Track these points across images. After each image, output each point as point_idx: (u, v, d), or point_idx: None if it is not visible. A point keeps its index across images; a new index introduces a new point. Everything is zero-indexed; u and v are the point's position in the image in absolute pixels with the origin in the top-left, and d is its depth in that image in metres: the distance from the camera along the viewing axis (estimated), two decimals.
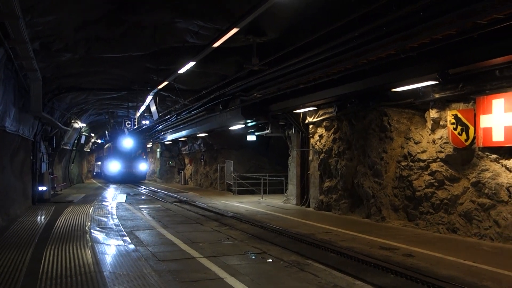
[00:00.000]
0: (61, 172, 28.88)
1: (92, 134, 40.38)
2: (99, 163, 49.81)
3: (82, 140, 33.68)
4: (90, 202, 18.75)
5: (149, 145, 43.01)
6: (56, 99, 19.32)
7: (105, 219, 13.17)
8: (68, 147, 28.93)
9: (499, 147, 9.54)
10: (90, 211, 14.96)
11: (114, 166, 36.92)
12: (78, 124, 26.92)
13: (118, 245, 9.24)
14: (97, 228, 11.27)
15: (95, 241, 9.40)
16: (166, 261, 7.93)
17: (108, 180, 38.75)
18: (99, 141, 48.49)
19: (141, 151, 38.89)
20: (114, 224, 12.34)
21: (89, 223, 11.96)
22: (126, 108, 27.57)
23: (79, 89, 19.63)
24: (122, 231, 11.09)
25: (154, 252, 8.71)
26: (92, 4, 9.97)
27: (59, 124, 20.71)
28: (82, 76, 17.13)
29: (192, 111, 21.83)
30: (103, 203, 18.73)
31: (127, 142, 36.44)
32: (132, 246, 9.06)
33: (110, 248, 8.88)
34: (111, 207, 16.99)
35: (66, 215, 13.75)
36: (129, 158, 37.08)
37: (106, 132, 40.70)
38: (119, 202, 19.46)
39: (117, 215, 14.39)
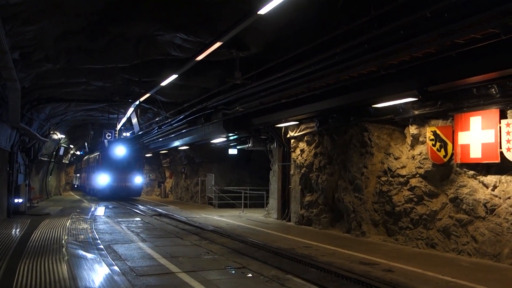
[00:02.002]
0: (38, 184, 28.30)
1: (71, 146, 39.75)
2: (80, 175, 45.67)
3: (61, 152, 33.14)
4: (68, 215, 18.38)
5: None
6: (35, 110, 19.02)
7: (82, 233, 12.92)
8: (46, 159, 28.43)
9: (477, 163, 9.72)
10: (67, 224, 14.66)
11: (102, 179, 30.59)
12: (57, 135, 26.52)
13: (95, 259, 9.05)
14: (74, 242, 11.03)
15: (71, 255, 9.19)
16: (145, 276, 7.79)
17: (95, 195, 32.60)
18: (78, 152, 47.73)
19: (136, 162, 32.39)
20: (91, 237, 12.10)
21: (66, 237, 11.70)
22: (107, 119, 27.28)
23: (59, 99, 19.39)
24: (100, 245, 10.88)
25: (133, 267, 8.56)
26: (74, 15, 9.91)
27: (38, 135, 20.36)
28: (62, 86, 16.93)
29: (174, 124, 21.72)
30: (81, 216, 18.38)
31: (120, 150, 29.49)
32: (109, 261, 8.88)
33: (87, 263, 8.69)
34: (89, 220, 16.68)
35: (42, 228, 13.44)
36: (122, 169, 30.98)
37: (86, 144, 40.06)
38: (97, 215, 19.13)
39: (95, 229, 14.13)
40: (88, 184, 37.42)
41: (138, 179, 32.05)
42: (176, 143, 24.49)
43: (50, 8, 9.24)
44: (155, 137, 25.36)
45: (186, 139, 22.64)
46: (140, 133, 24.69)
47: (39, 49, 11.56)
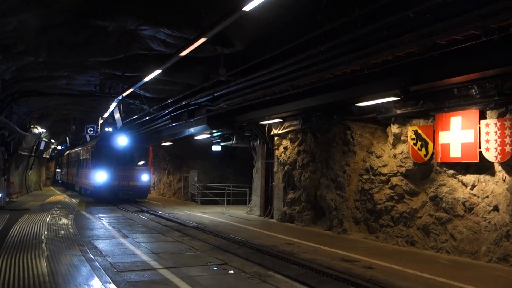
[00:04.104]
0: (18, 179, 27.82)
1: (53, 140, 39.16)
2: (66, 170, 40.01)
3: (42, 146, 32.60)
4: (48, 210, 18.10)
5: None
6: (15, 103, 18.69)
7: (63, 228, 12.75)
8: (26, 153, 27.93)
9: (456, 163, 9.88)
10: (47, 219, 14.45)
11: (100, 177, 23.72)
12: (38, 130, 26.08)
13: (75, 255, 8.95)
14: (54, 238, 10.88)
15: (51, 251, 9.06)
16: (126, 272, 7.74)
17: (90, 196, 26.20)
18: (59, 147, 47.07)
19: (143, 154, 25.73)
20: (72, 233, 11.96)
21: (45, 232, 11.53)
22: (89, 114, 26.91)
23: (40, 93, 19.05)
24: (80, 240, 10.76)
25: (113, 263, 8.49)
26: (55, 8, 9.76)
27: (17, 128, 20.00)
28: (43, 80, 16.66)
29: (157, 119, 21.57)
30: (62, 211, 18.14)
31: (123, 140, 24.15)
32: (90, 256, 8.79)
33: (67, 258, 8.58)
34: (70, 216, 16.47)
35: (22, 223, 13.22)
36: (125, 164, 24.42)
37: (67, 139, 39.47)
38: (78, 211, 18.91)
39: (75, 224, 13.96)
40: (79, 181, 30.72)
41: (145, 177, 24.84)
42: (159, 139, 24.41)
43: (31, 0, 9.08)
44: (137, 133, 25.15)
45: (170, 134, 22.59)
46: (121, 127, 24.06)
47: (19, 42, 11.36)
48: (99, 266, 7.95)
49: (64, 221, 14.66)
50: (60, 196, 28.92)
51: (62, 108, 24.72)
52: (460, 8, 6.98)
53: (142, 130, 23.99)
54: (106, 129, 27.55)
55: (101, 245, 10.57)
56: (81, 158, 30.00)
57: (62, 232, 12.09)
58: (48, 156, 42.94)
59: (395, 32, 7.98)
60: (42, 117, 25.49)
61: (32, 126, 24.23)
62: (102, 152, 24.41)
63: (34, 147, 30.37)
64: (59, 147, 47.17)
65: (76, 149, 33.58)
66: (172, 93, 18.25)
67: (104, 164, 23.84)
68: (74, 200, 24.70)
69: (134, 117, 22.77)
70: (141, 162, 25.36)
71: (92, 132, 30.26)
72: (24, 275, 6.80)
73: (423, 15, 7.42)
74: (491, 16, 6.43)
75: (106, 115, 23.85)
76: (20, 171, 28.72)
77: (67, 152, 39.70)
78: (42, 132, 28.27)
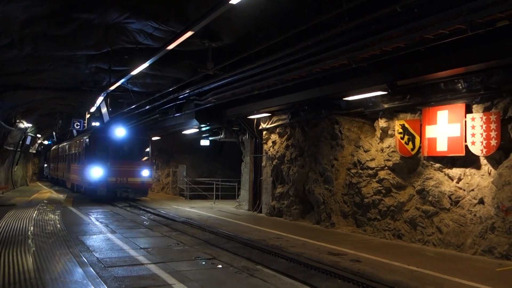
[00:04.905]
0: (3, 174, 27.51)
1: (39, 135, 38.72)
2: (55, 165, 37.45)
3: (28, 141, 32.21)
4: (34, 205, 17.94)
5: None
6: (0, 97, 18.42)
7: (50, 224, 12.64)
8: (12, 148, 27.58)
9: (443, 156, 9.97)
10: (34, 215, 14.31)
11: (95, 173, 21.06)
12: (24, 124, 25.77)
13: (62, 251, 8.88)
14: (41, 233, 10.79)
15: (37, 246, 8.98)
16: (113, 267, 7.69)
17: (84, 194, 23.85)
18: (46, 142, 46.57)
19: (143, 147, 22.95)
20: (59, 229, 11.86)
21: (32, 228, 11.42)
22: (76, 108, 26.64)
23: (25, 87, 18.80)
24: (67, 236, 10.67)
25: (101, 258, 8.44)
26: (41, 0, 9.60)
27: (3, 123, 19.75)
28: (29, 74, 16.43)
29: (145, 113, 21.41)
30: (48, 206, 17.98)
31: (121, 132, 21.87)
32: (77, 252, 8.72)
33: (53, 254, 8.51)
34: (57, 211, 16.33)
35: (7, 219, 13.08)
36: (123, 158, 21.95)
37: (54, 133, 39.04)
38: (65, 206, 18.75)
39: (62, 220, 13.84)
40: (70, 177, 28.15)
41: (145, 173, 22.25)
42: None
43: None
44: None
45: (158, 129, 22.46)
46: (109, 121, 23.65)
47: (3, 34, 11.18)
48: (86, 261, 7.89)
49: (51, 216, 14.53)
50: (47, 192, 28.66)
51: (48, 102, 24.43)
52: (446, 2, 7.02)
53: (141, 121, 23.28)
54: (93, 123, 27.23)
55: (88, 240, 10.49)
56: (73, 152, 27.15)
57: (49, 228, 11.99)
58: (34, 151, 42.49)
59: (382, 27, 8.01)
60: (28, 111, 25.18)
61: (17, 121, 23.92)
62: (97, 145, 21.81)
63: (20, 142, 30.00)
64: (46, 142, 46.68)
65: (67, 142, 31.04)
66: (160, 87, 18.13)
67: (100, 159, 21.22)
68: (61, 196, 24.50)
69: (133, 107, 21.21)
70: (141, 156, 22.69)
71: (79, 127, 29.90)
72: (10, 271, 6.73)
73: (411, 10, 7.45)
74: (476, 11, 6.47)
75: (93, 109, 23.61)
76: (5, 166, 28.38)
77: (55, 146, 38.49)
78: (28, 126, 27.94)
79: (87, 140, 22.45)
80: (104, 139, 21.82)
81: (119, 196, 21.30)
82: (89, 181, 21.41)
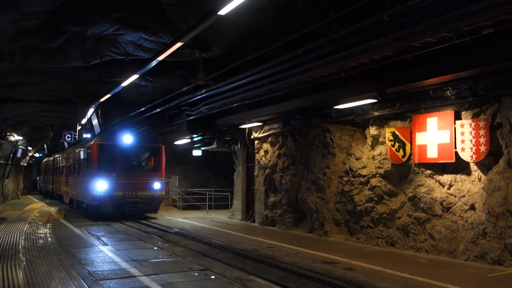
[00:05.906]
0: None
1: (30, 148, 38.44)
2: (50, 178, 34.45)
3: (19, 154, 31.96)
4: (25, 219, 17.76)
5: None
6: None
7: (41, 237, 12.51)
8: (2, 161, 27.36)
9: (433, 163, 10.03)
10: (25, 228, 14.17)
11: (99, 186, 18.12)
12: (14, 137, 25.59)
13: (53, 264, 8.78)
14: (32, 247, 10.67)
15: (28, 260, 8.89)
16: (105, 280, 7.62)
17: (85, 211, 20.58)
18: (37, 155, 46.23)
19: (154, 156, 20.03)
20: (50, 242, 11.74)
21: (23, 242, 11.31)
22: (67, 121, 26.50)
23: (15, 100, 18.69)
24: (58, 249, 10.57)
25: (92, 271, 8.36)
26: (30, 13, 9.58)
27: None
28: (19, 86, 16.35)
29: (137, 125, 21.35)
30: (39, 220, 17.80)
31: (128, 139, 19.05)
32: (68, 265, 8.64)
33: (44, 268, 8.42)
34: (48, 224, 16.17)
35: None
36: (132, 170, 19.11)
37: (45, 146, 38.78)
38: (57, 219, 18.57)
39: (54, 233, 13.71)
40: (69, 192, 24.95)
41: (156, 185, 19.30)
42: None
43: (4, 4, 8.91)
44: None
45: (149, 140, 22.34)
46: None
47: None
48: (77, 275, 7.81)
49: (42, 230, 14.39)
50: (38, 205, 28.38)
51: (39, 115, 24.29)
52: (433, 11, 7.11)
53: (136, 130, 22.59)
54: (84, 135, 27.05)
55: (80, 253, 10.39)
56: (72, 163, 23.94)
57: (40, 241, 11.86)
58: (25, 164, 42.13)
59: (370, 35, 8.09)
60: (19, 124, 25.00)
61: (8, 134, 23.76)
62: (101, 155, 18.87)
63: (11, 155, 29.77)
64: (37, 155, 46.34)
65: (63, 153, 28.27)
66: (151, 97, 18.09)
67: (104, 170, 18.46)
68: (52, 209, 24.27)
69: (135, 112, 19.60)
70: (152, 167, 19.89)
71: (70, 139, 29.71)
72: (0, 286, 6.64)
73: (398, 18, 7.53)
74: (462, 19, 6.56)
75: (84, 121, 23.51)
76: None
77: (48, 158, 37.33)
78: (19, 139, 27.74)
79: (89, 149, 19.40)
80: (110, 147, 19.01)
81: (128, 212, 18.59)
82: (92, 195, 18.39)
